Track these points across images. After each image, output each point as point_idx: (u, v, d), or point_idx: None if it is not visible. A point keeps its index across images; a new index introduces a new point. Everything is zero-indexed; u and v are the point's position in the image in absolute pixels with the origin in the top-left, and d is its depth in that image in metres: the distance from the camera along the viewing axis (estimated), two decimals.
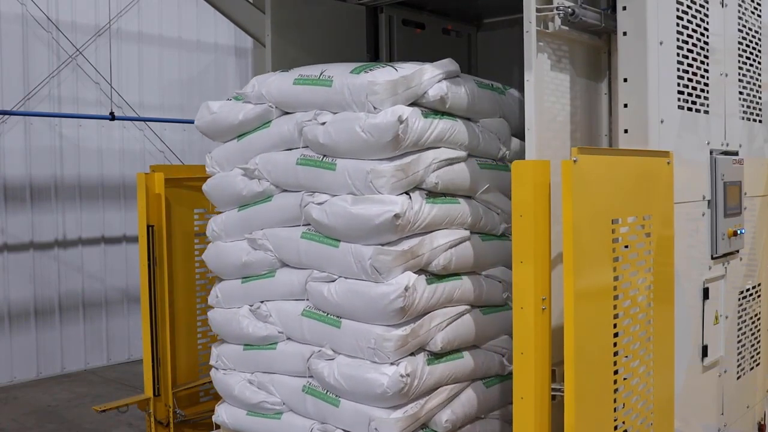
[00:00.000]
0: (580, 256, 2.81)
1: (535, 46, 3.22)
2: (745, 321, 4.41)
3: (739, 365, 4.34)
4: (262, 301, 4.00)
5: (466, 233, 3.76)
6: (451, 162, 3.68)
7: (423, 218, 3.55)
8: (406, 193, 3.55)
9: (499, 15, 5.73)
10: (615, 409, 3.03)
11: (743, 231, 4.18)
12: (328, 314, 3.71)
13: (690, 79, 3.74)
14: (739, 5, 4.28)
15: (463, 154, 3.74)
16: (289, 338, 3.92)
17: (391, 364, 3.48)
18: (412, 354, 3.56)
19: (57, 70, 8.69)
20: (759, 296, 4.61)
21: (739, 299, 4.35)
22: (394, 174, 3.48)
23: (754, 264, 4.51)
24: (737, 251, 4.25)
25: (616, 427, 3.03)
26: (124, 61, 9.23)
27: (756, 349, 4.57)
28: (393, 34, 5.19)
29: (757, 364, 4.60)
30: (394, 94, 3.50)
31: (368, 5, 5.08)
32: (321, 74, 3.73)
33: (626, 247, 3.08)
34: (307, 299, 3.81)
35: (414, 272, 3.53)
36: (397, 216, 3.41)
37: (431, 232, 3.62)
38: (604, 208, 2.99)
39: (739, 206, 4.15)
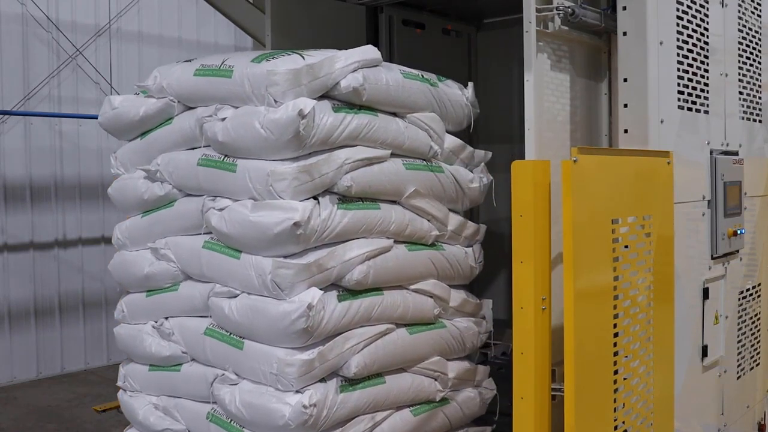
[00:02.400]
0: (580, 256, 2.81)
1: (535, 46, 3.22)
2: (745, 321, 4.40)
3: (739, 365, 4.34)
4: (166, 318, 3.67)
5: (389, 243, 3.40)
6: (369, 162, 3.32)
7: (333, 226, 3.18)
8: (315, 197, 3.20)
9: (499, 15, 5.73)
10: (615, 409, 3.03)
11: (743, 231, 4.18)
12: (230, 334, 3.35)
13: (690, 79, 3.74)
14: (739, 5, 4.27)
15: (384, 153, 3.39)
16: (193, 359, 3.59)
17: (296, 392, 3.12)
18: (323, 380, 3.21)
19: (57, 70, 8.69)
20: (759, 296, 4.60)
21: (739, 299, 4.34)
22: (296, 176, 3.10)
23: (754, 264, 4.51)
24: (737, 251, 4.25)
25: (616, 427, 3.03)
26: (124, 61, 9.23)
27: (756, 349, 4.57)
28: (393, 34, 5.19)
29: (757, 364, 4.60)
30: (297, 85, 3.13)
31: (368, 5, 5.08)
32: (222, 63, 3.35)
33: (626, 247, 3.08)
34: (211, 316, 3.47)
35: (322, 287, 3.18)
36: (297, 224, 3.04)
37: (345, 241, 3.27)
38: (604, 208, 2.99)
39: (739, 206, 4.15)
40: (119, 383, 3.96)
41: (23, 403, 7.65)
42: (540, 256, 2.97)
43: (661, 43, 3.48)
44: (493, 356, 6.00)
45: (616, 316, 3.01)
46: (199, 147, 3.48)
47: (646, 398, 3.24)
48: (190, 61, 3.62)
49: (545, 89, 3.41)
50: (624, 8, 3.45)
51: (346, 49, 3.68)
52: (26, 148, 8.47)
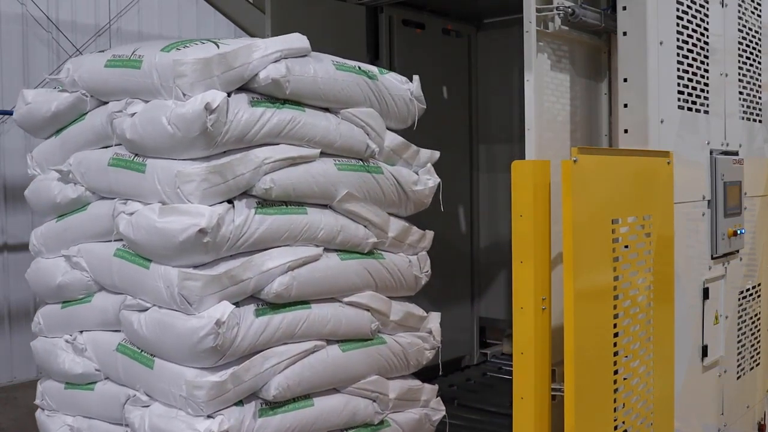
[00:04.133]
0: (580, 256, 2.81)
1: (535, 46, 3.22)
2: (745, 321, 4.41)
3: (739, 365, 4.34)
4: (81, 332, 3.38)
5: (317, 251, 3.12)
6: (293, 162, 3.04)
7: (250, 233, 2.91)
8: (230, 201, 2.93)
9: (499, 15, 5.74)
10: (615, 409, 3.03)
11: (743, 231, 4.18)
12: (141, 351, 3.05)
13: (690, 79, 3.74)
14: (739, 5, 4.28)
15: (312, 152, 3.11)
16: (107, 377, 3.29)
17: (208, 416, 2.84)
18: (241, 403, 2.93)
19: (57, 70, 8.67)
20: (759, 296, 4.60)
21: (739, 299, 4.35)
22: (206, 177, 2.83)
23: (754, 264, 4.51)
24: (737, 251, 4.25)
25: (616, 427, 3.03)
26: None
27: (756, 349, 4.57)
28: (393, 34, 5.20)
29: (757, 364, 4.60)
30: (208, 76, 2.86)
31: (368, 5, 5.08)
32: (132, 53, 3.06)
33: (626, 247, 3.08)
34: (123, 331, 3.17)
35: (238, 301, 2.91)
36: (203, 231, 2.76)
37: (265, 250, 3.00)
38: (604, 208, 3.00)
39: (739, 206, 4.15)
40: (37, 401, 3.68)
41: (23, 403, 7.64)
42: (540, 256, 2.97)
43: (661, 43, 3.48)
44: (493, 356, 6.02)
45: (616, 316, 3.02)
46: (112, 145, 3.20)
47: (646, 398, 3.24)
48: (103, 51, 3.36)
49: (545, 89, 3.41)
50: (624, 8, 3.45)
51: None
52: (26, 148, 8.46)
